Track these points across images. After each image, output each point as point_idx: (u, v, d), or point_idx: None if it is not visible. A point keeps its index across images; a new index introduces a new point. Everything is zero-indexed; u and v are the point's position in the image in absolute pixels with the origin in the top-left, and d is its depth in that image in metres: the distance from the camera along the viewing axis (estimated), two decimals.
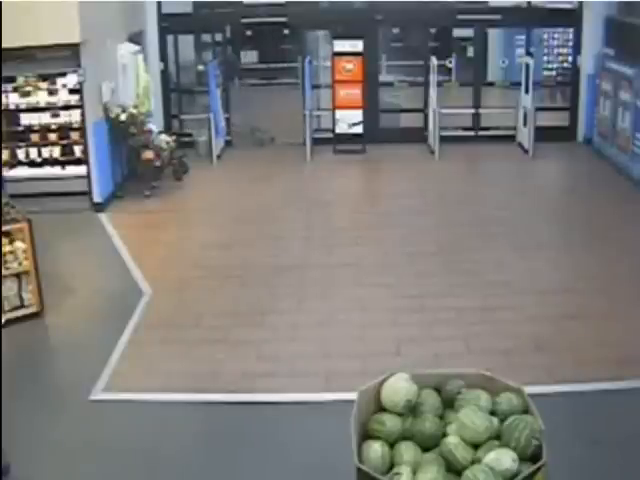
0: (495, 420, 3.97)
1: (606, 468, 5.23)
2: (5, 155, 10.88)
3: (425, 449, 3.94)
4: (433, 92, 13.71)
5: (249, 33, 19.03)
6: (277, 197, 11.60)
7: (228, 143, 14.34)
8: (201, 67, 16.61)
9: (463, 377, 4.30)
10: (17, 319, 7.50)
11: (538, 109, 13.36)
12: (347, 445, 3.89)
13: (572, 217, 10.66)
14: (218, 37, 15.45)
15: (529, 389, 4.21)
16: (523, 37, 14.98)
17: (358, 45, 13.60)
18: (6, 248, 7.44)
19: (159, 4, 14.12)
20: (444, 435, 3.98)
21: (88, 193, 10.94)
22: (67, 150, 11.13)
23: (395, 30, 18.83)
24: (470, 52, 15.03)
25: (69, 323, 7.71)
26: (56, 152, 11.11)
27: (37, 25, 9.76)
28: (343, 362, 6.75)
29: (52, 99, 10.94)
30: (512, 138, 14.07)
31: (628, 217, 10.31)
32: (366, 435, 4.04)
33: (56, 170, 11.13)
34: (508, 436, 3.84)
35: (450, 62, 15.73)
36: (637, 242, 9.37)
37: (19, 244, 7.55)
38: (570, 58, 14.95)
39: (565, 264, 8.98)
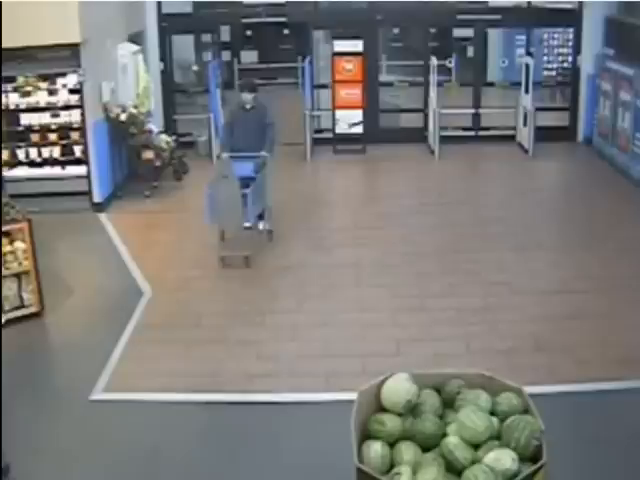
0: (495, 420, 3.98)
1: (606, 468, 5.23)
2: (5, 155, 10.86)
3: (425, 449, 3.94)
4: (433, 92, 13.71)
5: (249, 33, 19.03)
6: (276, 197, 11.56)
7: None
8: (195, 67, 16.60)
9: (463, 377, 4.30)
10: (17, 319, 7.49)
11: (538, 109, 13.34)
12: (347, 445, 3.89)
13: (572, 217, 10.65)
14: (224, 37, 15.42)
15: (529, 389, 4.21)
16: (523, 37, 14.95)
17: (358, 45, 13.56)
18: (6, 248, 7.44)
19: (159, 4, 14.10)
20: (444, 435, 3.98)
21: (88, 193, 10.93)
22: (67, 150, 11.10)
23: (395, 30, 18.79)
24: (470, 52, 15.01)
25: (69, 323, 7.71)
26: (56, 152, 11.09)
27: (37, 25, 9.74)
28: (343, 362, 6.74)
29: (52, 99, 10.92)
30: (512, 138, 14.05)
31: (628, 217, 10.30)
32: (366, 435, 4.04)
33: (56, 170, 11.10)
34: (508, 436, 3.84)
35: (450, 62, 15.71)
36: (637, 242, 9.36)
37: (19, 244, 7.54)
38: (570, 58, 14.91)
39: (565, 264, 8.97)
